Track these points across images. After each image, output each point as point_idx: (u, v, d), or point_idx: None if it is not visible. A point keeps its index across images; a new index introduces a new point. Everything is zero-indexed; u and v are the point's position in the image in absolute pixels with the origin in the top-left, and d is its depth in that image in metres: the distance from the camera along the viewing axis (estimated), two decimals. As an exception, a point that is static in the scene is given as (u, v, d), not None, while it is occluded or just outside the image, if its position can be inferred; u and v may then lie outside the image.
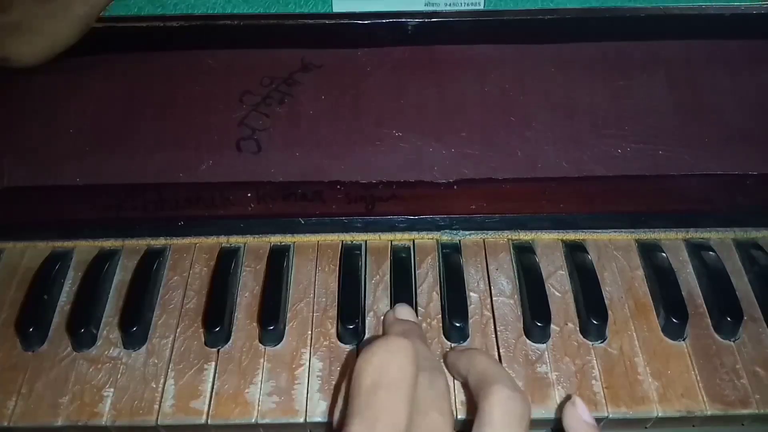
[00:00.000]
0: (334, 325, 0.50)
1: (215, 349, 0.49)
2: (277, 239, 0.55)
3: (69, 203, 0.55)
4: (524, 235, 0.55)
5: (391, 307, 0.50)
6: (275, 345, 0.49)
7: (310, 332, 0.50)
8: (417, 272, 0.53)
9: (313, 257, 0.54)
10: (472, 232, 0.55)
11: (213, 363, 0.48)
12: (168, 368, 0.48)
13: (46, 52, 0.58)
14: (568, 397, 0.46)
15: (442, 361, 0.47)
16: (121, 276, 0.53)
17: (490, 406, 0.37)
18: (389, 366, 0.36)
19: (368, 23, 0.62)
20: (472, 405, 0.46)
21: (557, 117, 0.59)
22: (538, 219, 0.55)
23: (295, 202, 0.54)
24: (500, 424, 0.37)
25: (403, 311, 0.48)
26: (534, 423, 0.46)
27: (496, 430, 0.37)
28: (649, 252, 0.54)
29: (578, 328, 0.50)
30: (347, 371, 0.42)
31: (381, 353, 0.36)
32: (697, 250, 0.54)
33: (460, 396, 0.46)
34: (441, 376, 0.39)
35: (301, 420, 0.46)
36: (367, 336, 0.49)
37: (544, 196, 0.55)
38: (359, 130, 0.58)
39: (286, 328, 0.50)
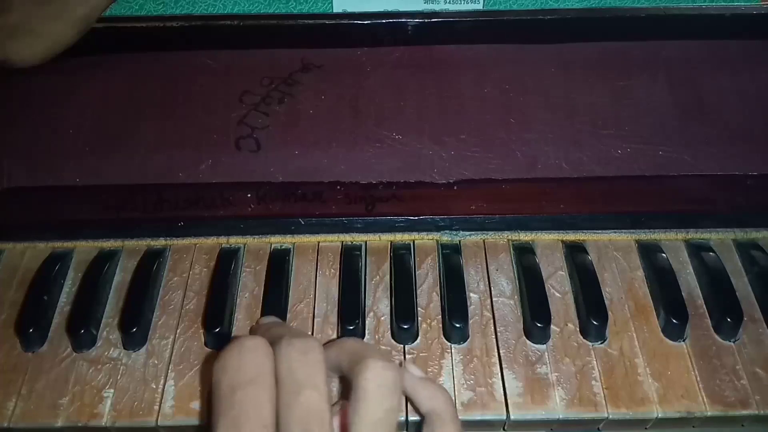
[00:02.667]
0: (334, 326, 0.50)
1: (215, 350, 0.49)
2: (277, 240, 0.55)
3: (69, 204, 0.55)
4: (524, 236, 0.55)
5: (391, 307, 0.50)
6: (275, 346, 0.49)
7: (310, 333, 0.50)
8: (417, 273, 0.53)
9: (313, 258, 0.54)
10: (472, 232, 0.55)
11: (213, 364, 0.48)
12: (168, 369, 0.48)
13: (46, 53, 0.58)
14: (568, 398, 0.46)
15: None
16: (121, 277, 0.53)
17: (365, 380, 0.37)
18: (243, 365, 0.37)
19: (368, 23, 0.62)
20: (472, 405, 0.46)
21: (557, 117, 0.59)
22: (538, 219, 0.55)
23: (295, 202, 0.54)
24: (374, 396, 0.37)
25: (265, 318, 0.49)
26: (534, 424, 0.47)
27: (371, 402, 0.37)
28: (649, 253, 0.54)
29: (578, 329, 0.50)
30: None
31: (233, 355, 0.37)
32: (697, 250, 0.54)
33: (460, 397, 0.46)
34: (312, 353, 0.39)
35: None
36: (367, 337, 0.49)
37: (544, 196, 0.55)
38: (359, 130, 0.58)
39: (286, 328, 0.50)
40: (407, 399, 0.43)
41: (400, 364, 0.44)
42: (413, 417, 0.45)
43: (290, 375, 0.37)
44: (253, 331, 0.47)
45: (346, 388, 0.39)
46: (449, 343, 0.49)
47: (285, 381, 0.37)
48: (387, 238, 0.55)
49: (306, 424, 0.36)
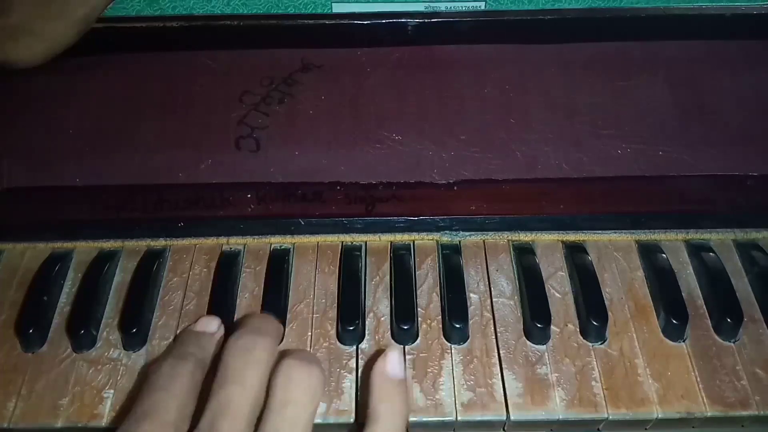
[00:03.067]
0: (334, 327, 0.50)
1: (215, 351, 0.49)
2: (277, 240, 0.55)
3: (69, 204, 0.55)
4: (524, 236, 0.55)
5: (391, 308, 0.50)
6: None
7: (310, 333, 0.50)
8: (417, 273, 0.53)
9: (313, 258, 0.54)
10: (472, 233, 0.55)
11: (213, 364, 0.48)
12: (168, 369, 0.48)
13: (46, 53, 0.58)
14: (568, 398, 0.46)
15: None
16: (120, 277, 0.53)
17: (273, 377, 0.38)
18: (164, 368, 0.40)
19: (368, 23, 0.62)
20: (472, 405, 0.46)
21: (557, 117, 0.59)
22: (538, 220, 0.55)
23: (295, 202, 0.54)
24: (281, 392, 0.38)
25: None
26: (534, 424, 0.46)
27: (277, 398, 0.38)
28: (649, 253, 0.54)
29: (578, 330, 0.50)
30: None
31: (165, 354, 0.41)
32: (697, 251, 0.54)
33: (460, 398, 0.46)
34: (255, 351, 0.40)
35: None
36: (367, 337, 0.49)
37: (544, 197, 0.55)
38: (359, 130, 0.58)
39: (286, 329, 0.50)
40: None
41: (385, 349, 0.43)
42: (413, 418, 0.45)
43: (224, 367, 0.38)
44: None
45: None
46: (449, 344, 0.49)
47: (218, 373, 0.38)
48: (387, 238, 0.55)
49: (216, 417, 0.36)
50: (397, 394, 0.40)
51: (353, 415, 0.46)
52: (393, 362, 0.41)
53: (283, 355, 0.40)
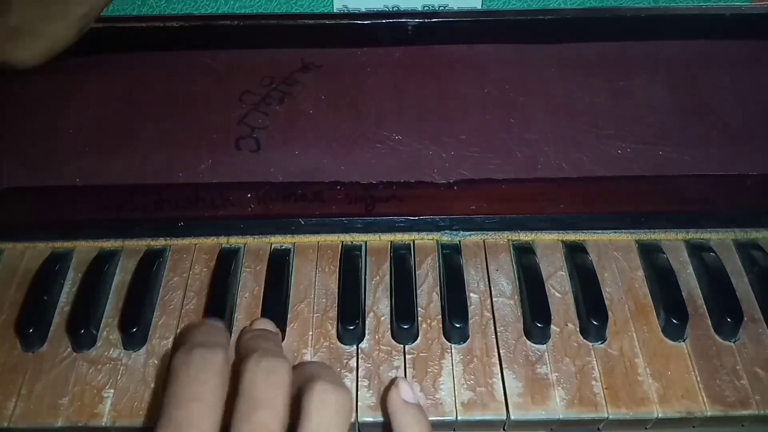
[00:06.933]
0: (334, 326, 0.50)
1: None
2: (277, 240, 0.55)
3: (69, 204, 0.55)
4: (524, 236, 0.55)
5: (391, 307, 0.50)
6: (275, 346, 0.49)
7: (310, 333, 0.50)
8: (417, 273, 0.53)
9: (314, 258, 0.54)
10: (472, 232, 0.55)
11: (213, 364, 0.48)
12: (168, 369, 0.48)
13: (46, 53, 0.58)
14: (568, 398, 0.46)
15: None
16: (120, 277, 0.53)
17: (308, 402, 0.37)
18: (193, 379, 0.37)
19: (368, 23, 0.62)
20: (472, 405, 0.46)
21: (557, 117, 0.59)
22: (538, 220, 0.55)
23: (295, 202, 0.54)
24: (317, 418, 0.37)
25: (259, 322, 0.49)
26: (534, 424, 0.47)
27: (313, 424, 0.37)
28: (649, 253, 0.54)
29: (578, 329, 0.50)
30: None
31: (191, 363, 0.38)
32: (697, 250, 0.54)
33: (460, 397, 0.46)
34: (276, 374, 0.39)
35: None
36: (367, 337, 0.49)
37: (544, 196, 0.55)
38: (359, 130, 0.58)
39: (287, 329, 0.50)
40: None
41: (395, 379, 0.44)
42: (413, 417, 0.45)
43: (250, 392, 0.37)
44: (240, 336, 0.47)
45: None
46: (449, 343, 0.49)
47: (243, 397, 0.37)
48: (387, 238, 0.55)
49: None
50: (417, 415, 0.42)
51: (354, 414, 0.46)
52: (406, 391, 0.43)
53: (311, 375, 0.39)
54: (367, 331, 0.50)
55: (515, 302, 0.51)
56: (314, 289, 0.52)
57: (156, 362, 0.48)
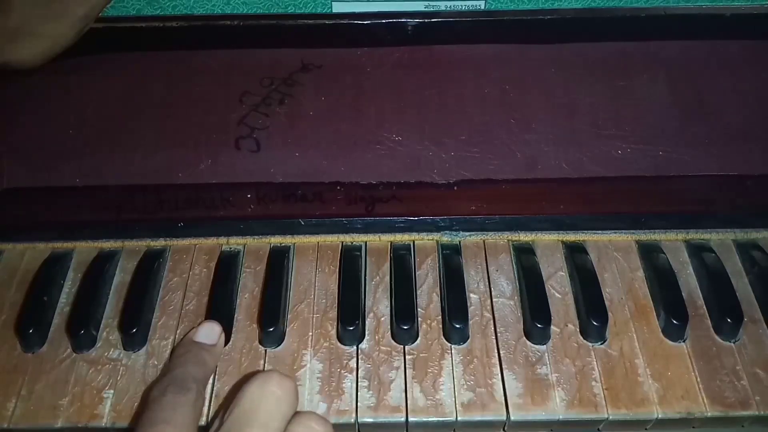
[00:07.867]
0: (334, 327, 0.50)
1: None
2: (277, 240, 0.55)
3: (69, 204, 0.55)
4: (524, 236, 0.55)
5: (391, 308, 0.50)
6: (276, 347, 0.49)
7: (310, 333, 0.50)
8: (417, 273, 0.53)
9: (313, 258, 0.54)
10: (472, 233, 0.55)
11: (213, 364, 0.48)
12: (168, 370, 0.48)
13: (46, 54, 0.58)
14: (568, 399, 0.46)
15: None
16: (120, 277, 0.53)
17: (248, 384, 0.39)
18: (165, 406, 0.40)
19: (368, 23, 0.62)
20: (472, 406, 0.46)
21: (557, 117, 0.59)
22: (538, 220, 0.55)
23: (295, 203, 0.54)
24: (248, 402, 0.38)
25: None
26: (534, 424, 0.47)
27: (246, 400, 0.38)
28: (649, 253, 0.54)
29: (578, 330, 0.50)
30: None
31: (168, 393, 0.41)
32: (697, 251, 0.54)
33: (460, 398, 0.46)
34: (285, 399, 0.40)
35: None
36: (367, 337, 0.49)
37: (544, 197, 0.55)
38: (359, 130, 0.58)
39: (287, 329, 0.50)
40: None
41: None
42: (414, 418, 0.45)
43: (248, 411, 0.38)
44: (176, 348, 0.48)
45: None
46: (449, 344, 0.49)
47: (238, 409, 0.38)
48: (387, 238, 0.55)
49: None
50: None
51: (354, 414, 0.46)
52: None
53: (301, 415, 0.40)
54: (367, 332, 0.50)
55: (515, 303, 0.51)
56: (314, 289, 0.52)
57: (156, 363, 0.48)
